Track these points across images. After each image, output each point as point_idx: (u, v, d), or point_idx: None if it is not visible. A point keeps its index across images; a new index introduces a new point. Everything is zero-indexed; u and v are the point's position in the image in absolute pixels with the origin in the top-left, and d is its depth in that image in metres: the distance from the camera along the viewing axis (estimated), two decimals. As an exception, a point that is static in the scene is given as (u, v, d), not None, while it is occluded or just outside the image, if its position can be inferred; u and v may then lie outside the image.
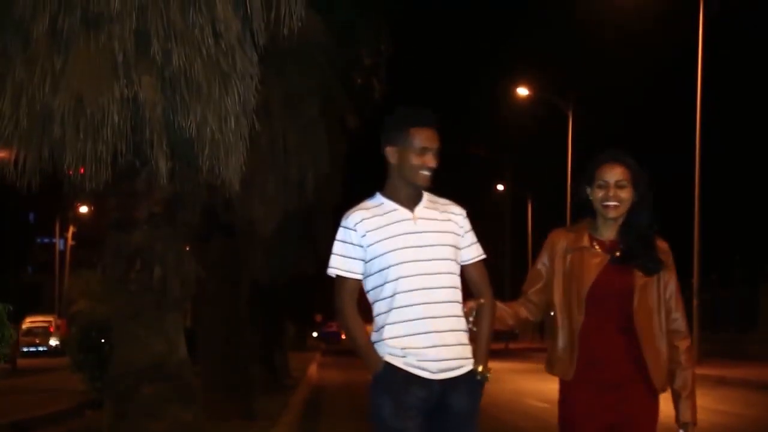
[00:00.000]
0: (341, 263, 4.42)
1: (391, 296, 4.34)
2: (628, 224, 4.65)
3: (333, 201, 18.10)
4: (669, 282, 4.65)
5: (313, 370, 29.84)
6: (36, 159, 6.77)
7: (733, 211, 43.25)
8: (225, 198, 9.61)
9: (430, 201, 4.51)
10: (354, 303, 4.44)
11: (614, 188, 4.60)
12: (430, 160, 4.42)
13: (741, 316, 32.88)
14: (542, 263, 4.77)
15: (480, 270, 4.56)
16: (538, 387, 18.78)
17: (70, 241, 59.00)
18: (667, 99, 42.45)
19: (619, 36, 43.60)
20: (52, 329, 47.28)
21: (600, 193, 4.63)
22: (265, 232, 13.28)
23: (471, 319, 4.42)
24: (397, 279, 4.34)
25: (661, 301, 4.63)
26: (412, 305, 4.32)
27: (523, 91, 43.09)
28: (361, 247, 4.39)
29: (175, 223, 7.82)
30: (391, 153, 4.43)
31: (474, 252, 4.55)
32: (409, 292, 4.33)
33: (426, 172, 4.42)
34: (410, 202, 4.46)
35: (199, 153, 7.03)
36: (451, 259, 4.42)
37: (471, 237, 4.55)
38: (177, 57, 6.72)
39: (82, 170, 6.92)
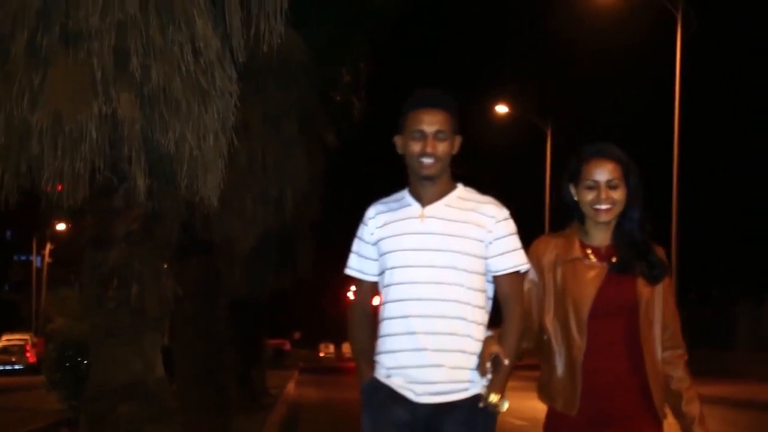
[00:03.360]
0: (354, 261, 4.03)
1: (385, 303, 3.88)
2: (621, 226, 4.02)
3: (312, 218, 18.08)
4: (667, 290, 4.04)
5: (291, 387, 29.69)
6: (13, 176, 6.73)
7: (712, 230, 43.47)
8: (203, 215, 9.57)
9: (461, 198, 3.94)
10: (363, 307, 4.05)
11: (606, 189, 3.94)
12: (429, 146, 3.84)
13: (719, 334, 32.97)
14: (529, 280, 4.02)
15: (511, 283, 3.90)
16: (517, 405, 18.76)
17: (47, 259, 58.73)
18: (644, 118, 42.72)
19: (597, 55, 43.97)
20: (28, 347, 46.96)
21: (590, 195, 3.96)
22: (244, 250, 13.25)
23: (488, 365, 3.78)
24: (391, 285, 3.86)
25: (662, 312, 4.01)
26: (402, 316, 3.81)
27: (502, 109, 43.15)
28: (372, 244, 3.94)
29: (152, 241, 7.78)
30: (397, 142, 3.97)
31: (506, 262, 3.89)
32: (401, 301, 3.82)
33: (427, 160, 3.85)
34: (428, 197, 3.90)
35: (178, 170, 7.00)
36: (461, 269, 3.80)
37: (505, 244, 3.89)
38: (156, 74, 6.70)
39: (59, 187, 6.88)
